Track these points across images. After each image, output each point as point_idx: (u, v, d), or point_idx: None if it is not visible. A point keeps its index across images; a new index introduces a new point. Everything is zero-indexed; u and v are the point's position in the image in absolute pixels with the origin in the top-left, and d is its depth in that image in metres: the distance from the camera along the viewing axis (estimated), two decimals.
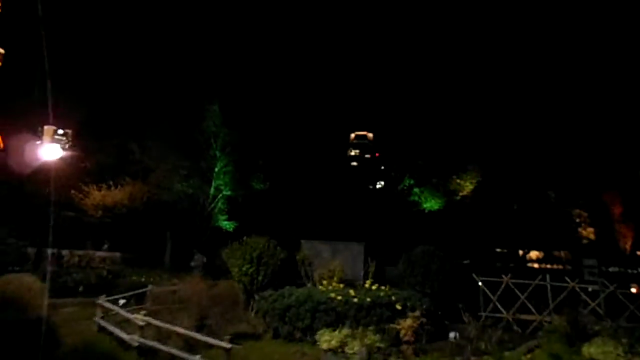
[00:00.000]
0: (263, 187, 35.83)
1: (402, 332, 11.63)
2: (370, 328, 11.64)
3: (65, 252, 20.92)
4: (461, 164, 37.83)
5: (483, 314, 15.19)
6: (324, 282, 14.97)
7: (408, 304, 12.90)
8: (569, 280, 13.93)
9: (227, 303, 13.96)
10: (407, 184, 36.77)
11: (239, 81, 31.94)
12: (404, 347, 11.29)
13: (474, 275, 15.74)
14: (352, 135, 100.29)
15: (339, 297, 12.85)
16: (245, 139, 31.39)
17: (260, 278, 14.81)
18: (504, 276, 15.25)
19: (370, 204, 38.71)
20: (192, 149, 27.57)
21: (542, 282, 14.42)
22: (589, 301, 13.39)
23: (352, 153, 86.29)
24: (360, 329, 11.64)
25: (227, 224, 27.95)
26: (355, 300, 12.78)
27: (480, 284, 15.50)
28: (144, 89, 26.95)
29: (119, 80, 27.60)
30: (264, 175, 36.44)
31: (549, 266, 40.24)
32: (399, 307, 12.53)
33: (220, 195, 28.16)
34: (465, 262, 31.35)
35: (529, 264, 41.13)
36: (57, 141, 33.66)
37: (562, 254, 39.26)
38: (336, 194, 37.91)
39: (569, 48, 35.80)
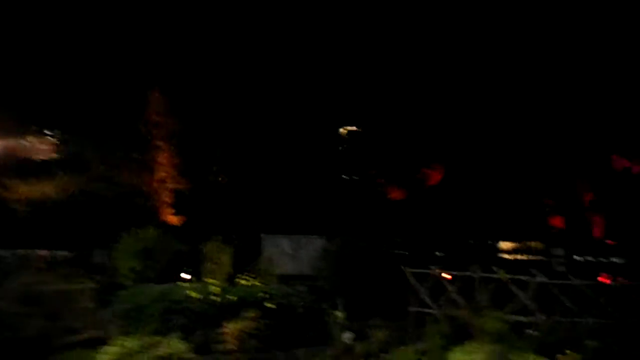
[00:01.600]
0: (220, 180, 34.25)
1: (228, 338, 9.03)
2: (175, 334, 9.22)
3: None
4: (430, 152, 36.67)
5: (412, 309, 13.87)
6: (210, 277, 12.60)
7: (285, 302, 10.85)
8: (498, 270, 12.61)
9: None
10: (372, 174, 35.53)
11: (192, 67, 30.14)
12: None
13: (403, 268, 14.37)
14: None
15: (198, 296, 10.67)
16: (197, 129, 29.77)
17: (150, 275, 13.23)
18: (433, 268, 13.90)
19: (337, 196, 37.35)
20: (134, 139, 25.91)
21: (471, 274, 13.08)
22: (520, 295, 12.07)
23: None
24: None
25: (172, 219, 26.35)
26: (217, 299, 10.62)
27: (410, 277, 14.12)
28: (77, 75, 25.16)
29: (53, 66, 25.70)
30: (222, 167, 34.84)
31: (520, 257, 39.35)
32: (269, 305, 10.44)
33: (165, 188, 26.54)
34: (404, 253, 30.04)
35: (502, 255, 40.14)
36: None
37: (534, 244, 38.24)
38: (301, 187, 36.47)
39: (534, 36, 34.54)
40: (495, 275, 12.68)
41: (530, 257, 40.55)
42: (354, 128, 39.77)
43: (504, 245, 41.31)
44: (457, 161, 35.59)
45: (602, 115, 35.56)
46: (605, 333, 8.70)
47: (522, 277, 12.29)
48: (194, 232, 24.34)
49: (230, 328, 8.13)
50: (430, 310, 13.27)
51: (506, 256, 40.98)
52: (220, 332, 8.13)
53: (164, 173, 26.39)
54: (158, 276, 12.82)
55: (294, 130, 36.72)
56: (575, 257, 36.54)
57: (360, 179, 36.06)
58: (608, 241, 34.28)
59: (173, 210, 26.64)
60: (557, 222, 34.14)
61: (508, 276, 12.44)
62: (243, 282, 10.01)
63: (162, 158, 26.38)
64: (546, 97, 34.48)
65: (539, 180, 34.58)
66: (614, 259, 37.77)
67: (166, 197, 26.72)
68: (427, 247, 39.07)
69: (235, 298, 9.61)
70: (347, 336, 10.11)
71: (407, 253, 40.13)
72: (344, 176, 41.49)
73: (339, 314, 13.94)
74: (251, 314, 8.52)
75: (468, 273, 13.13)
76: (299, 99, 36.34)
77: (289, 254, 26.35)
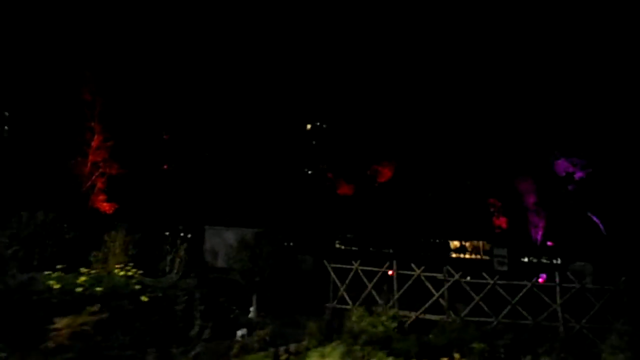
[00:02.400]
0: (166, 166, 32.83)
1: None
2: None
3: None
4: (380, 150, 36.51)
5: (329, 305, 13.38)
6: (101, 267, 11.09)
7: (161, 295, 9.73)
8: (415, 268, 12.25)
9: None
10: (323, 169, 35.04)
11: (134, 42, 28.54)
12: None
13: (325, 263, 13.84)
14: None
15: (57, 286, 9.07)
16: (137, 111, 28.25)
17: (34, 262, 12.11)
18: (354, 262, 13.43)
19: (285, 190, 36.65)
20: (66, 120, 24.28)
21: (386, 270, 12.70)
22: (434, 292, 11.76)
23: None
24: None
25: (103, 206, 24.92)
26: (78, 289, 9.04)
27: (331, 272, 13.60)
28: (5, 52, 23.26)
29: None
30: (168, 152, 33.37)
31: (466, 256, 40.01)
32: (144, 298, 9.15)
33: (99, 173, 25.07)
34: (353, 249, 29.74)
35: (451, 254, 40.65)
36: None
37: (480, 243, 38.94)
38: (252, 179, 35.54)
39: (478, 37, 34.97)
40: (412, 273, 12.34)
41: (476, 256, 41.60)
42: (309, 126, 39.12)
43: (453, 244, 42.00)
44: (407, 160, 35.60)
45: (548, 120, 36.48)
46: (504, 334, 8.47)
47: (438, 275, 12.00)
48: (126, 221, 23.03)
49: (63, 324, 6.84)
50: (347, 307, 12.79)
51: (454, 255, 41.73)
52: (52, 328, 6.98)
53: (97, 157, 24.90)
54: (41, 264, 11.66)
55: (249, 121, 35.77)
56: (522, 258, 37.53)
57: (312, 173, 35.46)
58: (549, 243, 35.24)
59: (105, 197, 25.21)
60: (502, 222, 34.72)
61: (425, 274, 12.12)
62: (122, 272, 8.89)
63: (96, 141, 24.88)
64: (494, 100, 34.99)
65: (486, 181, 35.09)
66: (556, 260, 39.09)
67: (99, 183, 25.25)
68: (377, 243, 39.20)
69: (99, 289, 8.49)
70: (240, 333, 9.45)
71: (356, 249, 40.33)
72: (305, 170, 40.95)
73: (251, 309, 13.31)
74: (93, 308, 7.25)
75: (385, 270, 12.74)
76: (253, 92, 35.41)
77: (231, 247, 25.65)
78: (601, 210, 36.10)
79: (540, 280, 29.62)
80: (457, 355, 7.53)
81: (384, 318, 9.16)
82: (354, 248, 39.26)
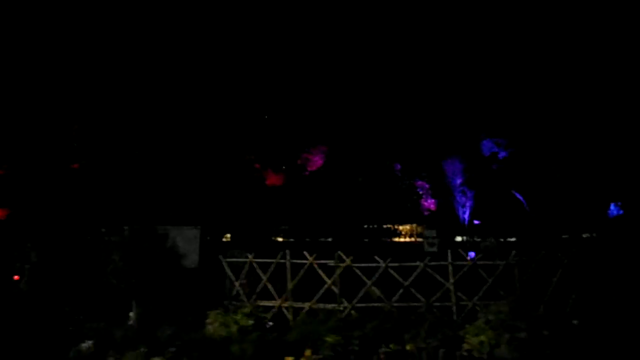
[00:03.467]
0: (79, 163, 30.39)
1: None
2: None
3: None
4: (309, 138, 35.73)
5: (226, 302, 12.36)
6: None
7: None
8: (307, 255, 11.54)
9: None
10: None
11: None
12: None
13: (220, 257, 12.81)
14: None
15: None
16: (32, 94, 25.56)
17: None
18: (249, 255, 12.49)
19: (215, 183, 35.08)
20: None
21: (281, 260, 11.89)
22: (326, 279, 11.09)
23: None
24: None
25: None
26: None
27: (226, 267, 12.58)
28: None
29: None
30: (77, 145, 30.79)
31: (401, 240, 40.29)
32: None
33: None
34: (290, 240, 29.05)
35: (384, 239, 40.80)
36: None
37: (414, 226, 39.33)
38: (172, 172, 33.61)
39: (401, 18, 34.94)
40: (304, 261, 11.58)
41: (411, 239, 42.06)
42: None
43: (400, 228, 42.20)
44: (337, 146, 35.06)
45: (473, 102, 37.20)
46: (368, 322, 7.89)
47: (329, 262, 11.32)
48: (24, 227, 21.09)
49: None
50: (242, 303, 11.83)
51: (387, 240, 41.97)
52: None
53: None
54: None
55: (171, 114, 33.74)
56: (459, 238, 38.19)
57: (238, 164, 34.03)
58: (475, 222, 36.08)
59: None
60: (431, 204, 35.07)
61: (317, 261, 11.40)
62: None
63: None
64: (420, 79, 35.11)
65: (414, 163, 35.26)
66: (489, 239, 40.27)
67: None
68: (313, 233, 38.56)
69: None
70: (85, 346, 8.28)
71: (293, 240, 39.50)
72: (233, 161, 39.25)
73: (130, 314, 12.02)
74: None
75: (281, 260, 11.91)
76: (175, 80, 33.37)
77: None
78: (524, 187, 37.49)
79: (468, 258, 29.83)
80: (308, 352, 6.78)
81: (239, 316, 8.27)
82: (290, 240, 38.49)
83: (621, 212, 36.78)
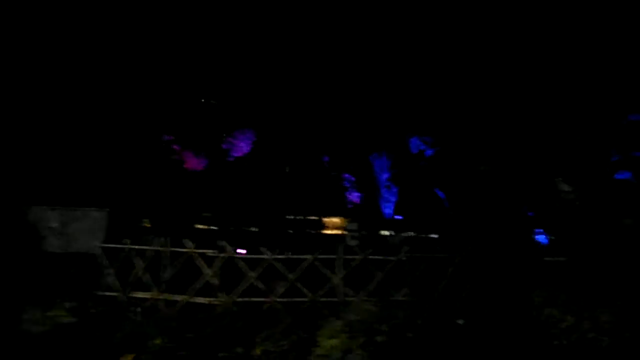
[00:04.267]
0: None
1: None
2: None
3: None
4: (236, 122, 34.34)
5: (100, 293, 11.00)
6: None
7: None
8: (189, 244, 10.53)
9: None
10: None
11: None
12: None
13: (99, 245, 11.38)
14: None
15: None
16: None
17: None
18: (127, 241, 11.19)
19: (128, 163, 32.67)
20: None
21: (160, 248, 10.76)
22: (206, 270, 10.15)
23: None
24: None
25: None
26: None
27: (101, 255, 11.17)
28: None
29: None
30: None
31: (327, 232, 40.05)
32: None
33: None
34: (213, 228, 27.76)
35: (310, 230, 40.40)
36: None
37: (337, 220, 39.27)
38: (81, 151, 30.82)
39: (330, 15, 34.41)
40: (185, 250, 10.51)
41: (337, 231, 42.01)
42: None
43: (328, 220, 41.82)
44: (265, 133, 33.96)
45: (403, 100, 37.51)
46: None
47: (209, 252, 10.37)
48: None
49: None
50: (116, 294, 10.50)
51: (312, 231, 41.66)
52: None
53: None
54: None
55: (86, 92, 30.78)
56: (383, 232, 38.52)
57: (154, 145, 31.91)
58: (397, 217, 36.58)
59: None
60: (355, 198, 35.00)
61: (196, 251, 10.38)
62: None
63: None
64: (352, 78, 34.81)
65: (342, 156, 35.00)
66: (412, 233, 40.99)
67: None
68: (239, 222, 37.26)
69: None
70: None
71: (216, 229, 37.95)
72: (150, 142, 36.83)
73: None
74: None
75: (157, 248, 10.74)
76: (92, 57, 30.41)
77: (54, 229, 22.07)
78: (446, 186, 38.60)
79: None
80: (129, 357, 5.83)
81: (58, 312, 7.12)
82: (213, 227, 36.95)
83: (531, 214, 38.97)
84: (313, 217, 40.05)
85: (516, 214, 37.73)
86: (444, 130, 37.89)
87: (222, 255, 10.15)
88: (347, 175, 34.87)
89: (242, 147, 34.36)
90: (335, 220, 40.46)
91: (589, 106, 36.58)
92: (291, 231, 36.37)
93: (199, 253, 10.30)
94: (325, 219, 40.43)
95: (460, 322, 9.04)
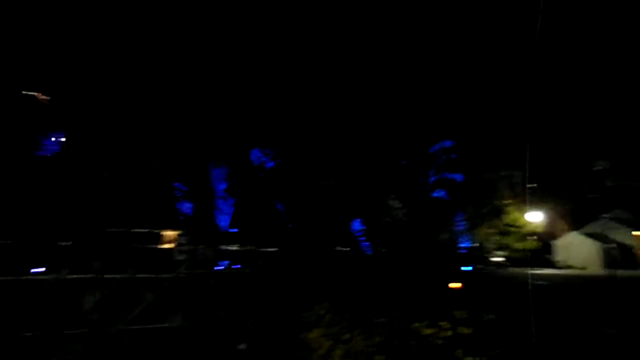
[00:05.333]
0: None
1: None
2: None
3: None
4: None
5: None
6: None
7: None
8: None
9: None
10: None
11: None
12: None
13: None
14: None
15: None
16: None
17: None
18: None
19: None
20: None
21: None
22: None
23: None
24: None
25: None
26: None
27: None
28: None
29: None
30: None
31: (164, 246, 36.39)
32: None
33: None
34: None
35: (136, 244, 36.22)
36: None
37: (170, 232, 36.02)
38: None
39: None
40: None
41: (169, 245, 38.52)
42: None
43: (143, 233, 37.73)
44: (78, 134, 29.38)
45: (247, 109, 36.44)
46: None
47: None
48: None
49: None
50: None
51: (140, 246, 37.50)
52: None
53: None
54: None
55: None
56: (224, 247, 36.08)
57: None
58: (233, 229, 35.05)
59: None
60: (187, 209, 32.41)
61: None
62: None
63: None
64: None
65: (175, 163, 32.18)
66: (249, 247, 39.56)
67: None
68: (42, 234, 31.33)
69: None
70: None
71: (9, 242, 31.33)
72: None
73: None
74: None
75: None
76: None
77: None
78: (285, 199, 38.40)
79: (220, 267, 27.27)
80: None
81: None
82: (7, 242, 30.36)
83: (364, 227, 41.18)
84: (138, 230, 36.05)
85: (345, 227, 39.46)
86: (286, 143, 37.79)
87: None
88: (178, 185, 32.06)
89: (49, 146, 29.19)
90: (171, 233, 37.10)
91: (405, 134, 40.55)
92: (114, 245, 32.00)
93: None
94: (164, 232, 36.69)
95: (242, 346, 7.74)
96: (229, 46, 36.82)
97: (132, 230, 34.79)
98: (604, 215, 45.50)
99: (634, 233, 43.48)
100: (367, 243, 40.87)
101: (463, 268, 37.65)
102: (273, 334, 8.07)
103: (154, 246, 35.75)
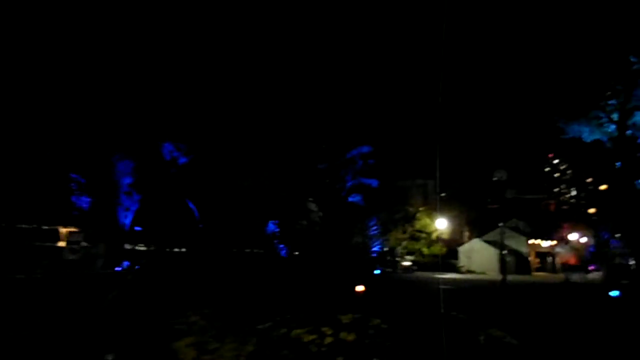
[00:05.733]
0: None
1: None
2: None
3: None
4: None
5: None
6: None
7: None
8: None
9: None
10: None
11: None
12: None
13: None
14: None
15: None
16: None
17: None
18: None
19: None
20: None
21: None
22: None
23: None
24: None
25: None
26: None
27: None
28: None
29: None
30: None
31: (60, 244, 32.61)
32: None
33: None
34: None
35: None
36: None
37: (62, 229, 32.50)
38: None
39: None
40: None
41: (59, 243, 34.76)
42: None
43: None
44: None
45: (156, 101, 34.13)
46: None
47: None
48: None
49: None
50: None
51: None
52: None
53: None
54: None
55: None
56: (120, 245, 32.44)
57: None
58: (137, 227, 32.55)
59: None
60: (84, 203, 29.38)
61: None
62: None
63: None
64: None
65: (72, 154, 29.03)
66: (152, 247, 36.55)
67: None
68: None
69: None
70: None
71: None
72: None
73: None
74: None
75: None
76: None
77: None
78: (198, 198, 36.47)
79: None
80: None
81: None
82: None
83: (279, 229, 40.50)
84: (27, 225, 32.11)
85: (261, 228, 38.44)
86: (202, 139, 35.98)
87: None
88: (75, 176, 28.94)
89: None
90: (63, 230, 33.44)
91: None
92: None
93: None
94: (62, 228, 32.86)
95: (110, 357, 6.54)
96: (148, 34, 34.44)
97: (17, 225, 30.90)
98: (502, 225, 49.17)
99: (529, 242, 47.48)
100: (282, 245, 40.26)
101: (374, 272, 38.39)
102: (144, 343, 7.03)
103: (40, 244, 31.90)
